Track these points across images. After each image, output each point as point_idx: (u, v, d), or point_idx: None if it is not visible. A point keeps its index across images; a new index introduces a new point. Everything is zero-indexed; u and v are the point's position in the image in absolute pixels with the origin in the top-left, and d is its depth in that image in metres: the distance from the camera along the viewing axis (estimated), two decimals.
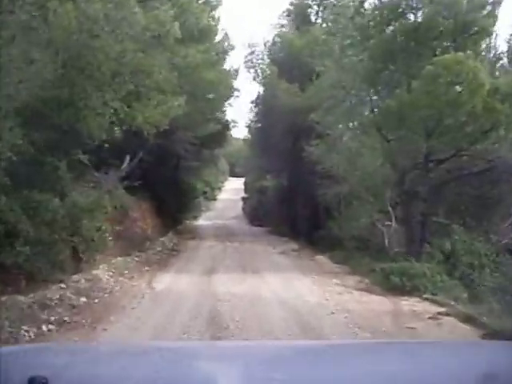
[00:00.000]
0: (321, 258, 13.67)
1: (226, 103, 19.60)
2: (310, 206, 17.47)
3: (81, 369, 1.55)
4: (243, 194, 35.45)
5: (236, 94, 19.56)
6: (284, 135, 19.24)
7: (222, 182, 46.63)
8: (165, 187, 19.48)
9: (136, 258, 11.92)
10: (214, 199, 39.78)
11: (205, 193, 36.22)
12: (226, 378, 1.54)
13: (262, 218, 26.77)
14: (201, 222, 28.31)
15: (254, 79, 21.52)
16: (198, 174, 25.80)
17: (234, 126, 23.37)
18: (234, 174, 47.07)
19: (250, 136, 28.12)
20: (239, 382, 1.51)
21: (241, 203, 34.37)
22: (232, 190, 41.27)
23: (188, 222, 25.71)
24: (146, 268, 11.32)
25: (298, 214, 18.81)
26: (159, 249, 14.73)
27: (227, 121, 22.73)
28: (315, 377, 1.44)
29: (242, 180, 39.04)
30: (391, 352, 1.90)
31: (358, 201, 13.39)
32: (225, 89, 17.06)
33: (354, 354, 1.85)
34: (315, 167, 15.71)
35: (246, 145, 29.97)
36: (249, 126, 27.20)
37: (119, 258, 11.06)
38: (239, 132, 59.30)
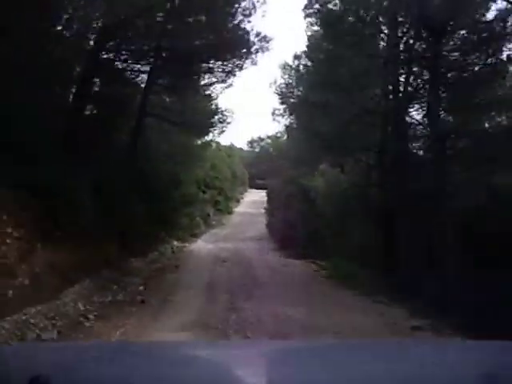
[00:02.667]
0: None
1: None
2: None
3: (83, 368, 1.55)
4: (267, 206, 26.95)
5: None
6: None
7: (241, 193, 39.63)
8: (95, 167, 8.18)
9: None
10: (229, 212, 31.27)
11: (217, 202, 28.21)
12: (226, 378, 1.53)
13: (307, 243, 15.06)
14: (201, 243, 19.14)
15: None
16: (191, 155, 14.26)
17: (259, 50, 11.96)
18: (254, 186, 42.19)
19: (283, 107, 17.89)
20: (239, 382, 1.51)
21: (262, 218, 24.88)
22: (252, 202, 34.71)
23: (176, 244, 14.90)
24: None
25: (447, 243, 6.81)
26: None
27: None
28: (314, 376, 1.44)
29: (264, 192, 31.69)
30: (391, 352, 1.87)
31: None
32: None
33: (353, 354, 1.84)
34: None
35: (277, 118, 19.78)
36: (284, 97, 17.22)
37: None
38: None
